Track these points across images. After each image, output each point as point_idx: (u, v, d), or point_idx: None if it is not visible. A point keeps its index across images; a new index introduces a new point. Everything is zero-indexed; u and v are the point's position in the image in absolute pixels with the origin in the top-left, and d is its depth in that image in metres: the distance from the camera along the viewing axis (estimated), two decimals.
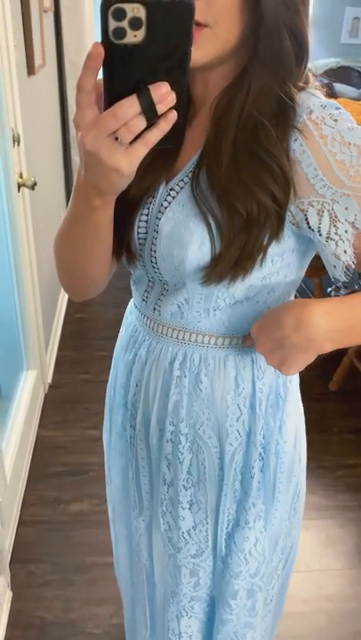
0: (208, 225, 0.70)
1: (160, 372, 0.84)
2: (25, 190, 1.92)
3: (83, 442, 2.15)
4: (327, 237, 0.69)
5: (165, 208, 0.73)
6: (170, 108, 0.54)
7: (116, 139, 0.55)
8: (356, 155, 0.66)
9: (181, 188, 0.73)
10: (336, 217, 0.68)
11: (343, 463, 2.09)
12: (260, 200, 0.67)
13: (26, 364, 2.18)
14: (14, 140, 1.79)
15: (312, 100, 0.68)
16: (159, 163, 0.73)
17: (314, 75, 0.73)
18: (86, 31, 2.98)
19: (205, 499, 0.88)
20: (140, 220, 0.76)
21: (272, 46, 0.66)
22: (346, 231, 0.68)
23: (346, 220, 0.68)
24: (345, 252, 0.69)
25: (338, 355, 2.50)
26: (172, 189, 0.74)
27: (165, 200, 0.74)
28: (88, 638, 1.51)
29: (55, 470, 2.02)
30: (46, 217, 2.41)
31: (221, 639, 0.99)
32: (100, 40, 0.52)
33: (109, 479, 1.05)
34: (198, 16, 0.59)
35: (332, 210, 0.68)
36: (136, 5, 0.50)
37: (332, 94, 6.11)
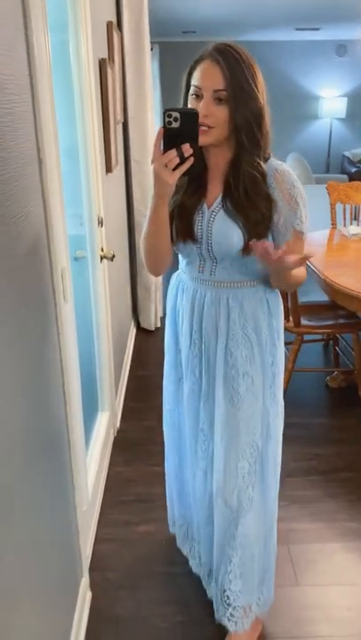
0: (239, 227, 1.39)
1: (220, 306, 1.50)
2: (104, 261, 2.38)
3: (149, 476, 2.44)
4: (282, 227, 1.40)
5: (213, 220, 1.41)
6: (190, 155, 1.23)
7: (167, 166, 1.23)
8: (296, 193, 1.38)
9: (218, 210, 1.41)
10: (286, 219, 1.38)
11: None
12: (263, 212, 1.37)
13: (101, 406, 2.55)
14: (99, 223, 2.27)
15: (274, 163, 1.40)
16: (198, 197, 1.43)
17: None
18: (148, 137, 3.56)
19: (253, 370, 1.51)
20: (196, 227, 1.44)
21: (246, 141, 1.34)
22: (287, 229, 1.39)
23: (290, 223, 1.39)
24: (288, 237, 1.41)
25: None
26: (213, 211, 1.42)
27: (212, 216, 1.42)
28: (157, 631, 1.75)
29: (125, 499, 2.32)
30: (116, 285, 2.86)
31: (271, 465, 1.58)
32: (161, 126, 1.24)
33: (178, 385, 1.69)
34: (208, 122, 1.31)
35: (284, 216, 1.38)
36: (175, 111, 1.22)
37: None
